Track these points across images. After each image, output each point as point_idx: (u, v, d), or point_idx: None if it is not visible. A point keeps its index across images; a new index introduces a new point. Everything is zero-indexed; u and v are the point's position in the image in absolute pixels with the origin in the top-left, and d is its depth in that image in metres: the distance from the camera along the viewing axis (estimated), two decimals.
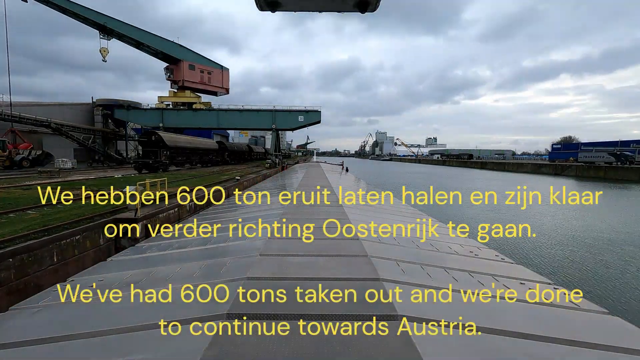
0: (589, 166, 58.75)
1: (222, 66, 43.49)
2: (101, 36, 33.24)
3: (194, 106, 40.93)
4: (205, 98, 43.72)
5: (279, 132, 44.87)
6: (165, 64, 40.82)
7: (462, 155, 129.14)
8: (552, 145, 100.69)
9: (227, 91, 44.48)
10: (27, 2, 30.84)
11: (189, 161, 33.24)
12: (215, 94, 44.00)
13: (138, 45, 36.86)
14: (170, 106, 41.13)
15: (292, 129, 42.93)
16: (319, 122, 40.47)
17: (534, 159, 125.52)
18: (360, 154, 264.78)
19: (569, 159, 72.75)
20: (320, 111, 40.23)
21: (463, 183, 45.19)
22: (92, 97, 41.64)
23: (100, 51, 33.63)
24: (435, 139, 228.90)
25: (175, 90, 41.38)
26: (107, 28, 33.47)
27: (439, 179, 51.46)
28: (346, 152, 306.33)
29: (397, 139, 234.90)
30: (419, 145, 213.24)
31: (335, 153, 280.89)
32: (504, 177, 58.91)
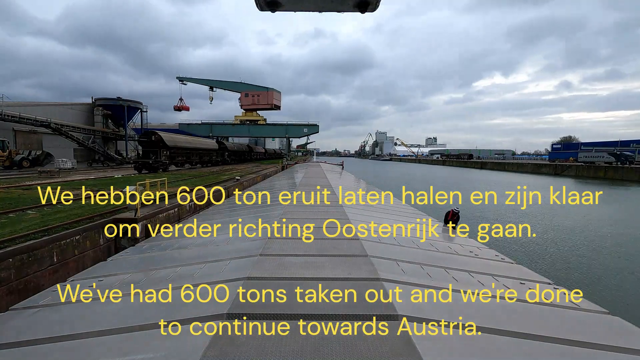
0: (589, 166, 58.56)
1: (267, 88, 58.92)
2: (210, 90, 58.25)
3: (259, 122, 59.73)
4: (266, 115, 62.26)
5: (289, 139, 64.31)
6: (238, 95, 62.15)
7: (461, 155, 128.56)
8: (552, 145, 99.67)
9: (274, 107, 59.35)
10: (186, 84, 56.56)
11: (189, 161, 33.54)
12: (266, 109, 60.68)
13: (221, 87, 59.27)
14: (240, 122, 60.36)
15: (299, 137, 62.67)
16: (317, 132, 57.25)
17: (534, 158, 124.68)
18: (360, 154, 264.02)
19: (568, 159, 72.85)
20: (318, 125, 56.82)
21: (460, 184, 45.05)
22: (92, 97, 42.54)
23: (209, 98, 59.13)
24: (435, 138, 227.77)
25: (244, 111, 61.19)
26: (214, 86, 58.33)
27: (440, 183, 51.12)
28: (346, 152, 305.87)
29: (397, 138, 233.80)
30: (418, 145, 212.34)
31: (335, 153, 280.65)
32: (504, 177, 58.43)
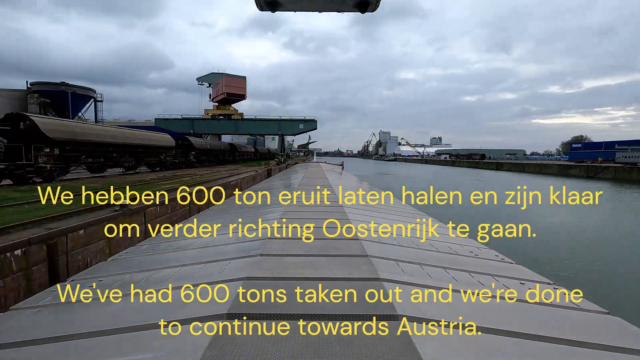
0: (631, 168, 49.63)
1: (236, 76, 55.91)
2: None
3: (233, 116, 54.12)
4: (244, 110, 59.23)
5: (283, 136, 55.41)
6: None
7: (473, 155, 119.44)
8: (571, 144, 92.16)
9: (244, 96, 56.12)
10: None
11: (113, 163, 22.91)
12: (237, 100, 55.98)
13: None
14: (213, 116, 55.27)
15: (294, 134, 53.43)
16: (315, 128, 50.01)
17: (547, 159, 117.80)
18: (364, 154, 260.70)
19: (596, 160, 65.16)
20: (316, 120, 48.85)
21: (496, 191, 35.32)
22: (27, 81, 33.38)
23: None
24: (440, 138, 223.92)
25: (217, 104, 56.36)
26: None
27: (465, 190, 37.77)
28: (349, 152, 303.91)
29: (402, 138, 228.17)
30: (423, 145, 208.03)
31: (338, 153, 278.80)
32: (530, 181, 51.22)
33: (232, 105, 59.00)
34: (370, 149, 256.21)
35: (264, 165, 34.73)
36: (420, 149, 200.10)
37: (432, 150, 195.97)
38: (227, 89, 54.95)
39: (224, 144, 47.47)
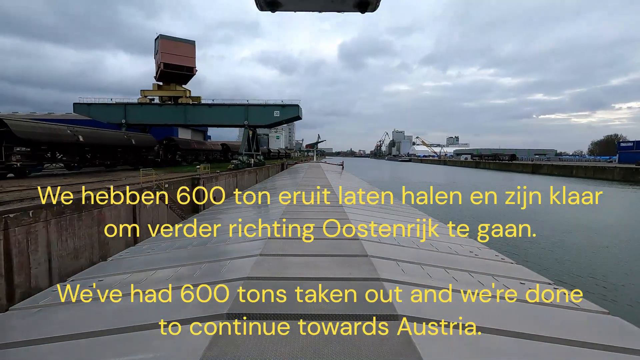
0: None
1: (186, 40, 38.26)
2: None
3: (180, 100, 37.07)
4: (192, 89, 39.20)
5: (256, 129, 40.16)
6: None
7: (500, 156, 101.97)
8: (619, 143, 79.49)
9: (193, 70, 38.36)
10: None
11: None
12: (184, 77, 38.10)
13: None
14: (157, 101, 37.77)
15: (268, 126, 39.97)
16: (298, 117, 37.45)
17: (579, 160, 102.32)
18: (376, 154, 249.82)
19: None
20: (298, 105, 36.43)
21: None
22: None
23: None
24: (457, 137, 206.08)
25: (161, 84, 37.89)
26: None
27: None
28: (361, 152, 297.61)
29: (417, 137, 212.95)
30: (439, 145, 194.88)
31: (350, 153, 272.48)
32: (628, 195, 36.63)
33: (186, 86, 40.03)
34: (384, 148, 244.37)
35: (193, 171, 24.28)
36: (437, 149, 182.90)
37: (449, 150, 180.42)
38: (166, 57, 36.07)
39: (149, 140, 32.59)
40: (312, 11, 2.22)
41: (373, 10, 2.15)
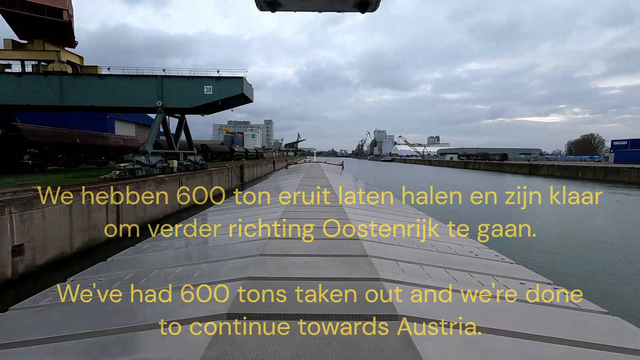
0: None
1: None
2: None
3: (50, 66, 23.27)
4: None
5: (185, 115, 27.60)
6: None
7: (490, 156, 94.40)
8: (613, 142, 73.70)
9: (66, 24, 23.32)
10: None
11: None
12: (54, 31, 23.31)
13: None
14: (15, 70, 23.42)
15: (195, 108, 24.85)
16: (246, 98, 25.51)
17: (559, 159, 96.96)
18: (358, 154, 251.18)
19: None
20: (242, 78, 24.34)
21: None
22: None
23: None
24: (437, 137, 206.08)
25: (25, 42, 23.65)
26: None
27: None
28: (343, 151, 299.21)
29: (400, 136, 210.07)
30: (420, 145, 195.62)
31: (332, 153, 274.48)
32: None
33: (71, 50, 25.43)
34: (365, 148, 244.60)
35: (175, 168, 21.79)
36: (420, 149, 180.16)
37: (432, 149, 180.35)
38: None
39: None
40: (312, 11, 2.22)
41: (373, 10, 2.15)
